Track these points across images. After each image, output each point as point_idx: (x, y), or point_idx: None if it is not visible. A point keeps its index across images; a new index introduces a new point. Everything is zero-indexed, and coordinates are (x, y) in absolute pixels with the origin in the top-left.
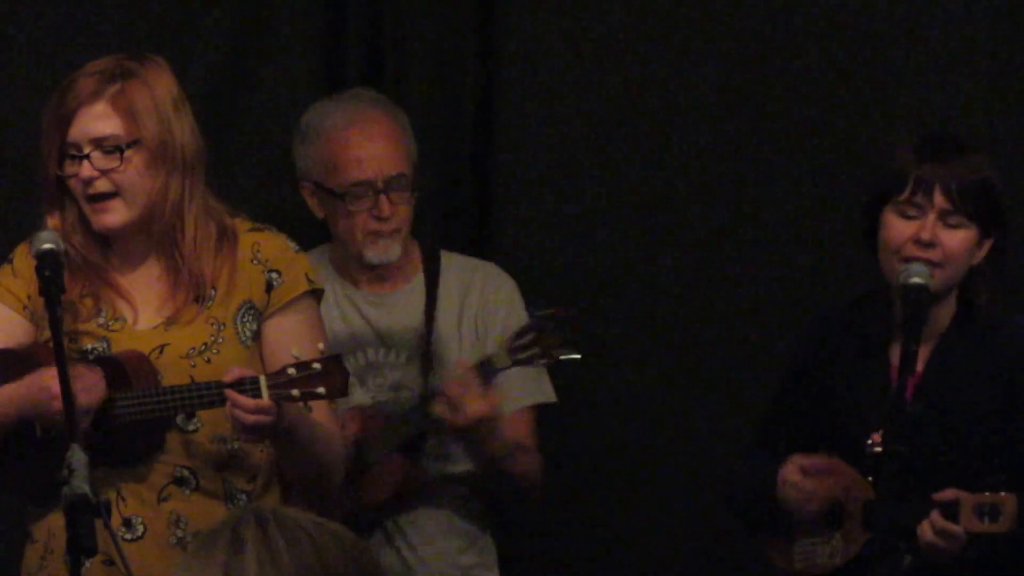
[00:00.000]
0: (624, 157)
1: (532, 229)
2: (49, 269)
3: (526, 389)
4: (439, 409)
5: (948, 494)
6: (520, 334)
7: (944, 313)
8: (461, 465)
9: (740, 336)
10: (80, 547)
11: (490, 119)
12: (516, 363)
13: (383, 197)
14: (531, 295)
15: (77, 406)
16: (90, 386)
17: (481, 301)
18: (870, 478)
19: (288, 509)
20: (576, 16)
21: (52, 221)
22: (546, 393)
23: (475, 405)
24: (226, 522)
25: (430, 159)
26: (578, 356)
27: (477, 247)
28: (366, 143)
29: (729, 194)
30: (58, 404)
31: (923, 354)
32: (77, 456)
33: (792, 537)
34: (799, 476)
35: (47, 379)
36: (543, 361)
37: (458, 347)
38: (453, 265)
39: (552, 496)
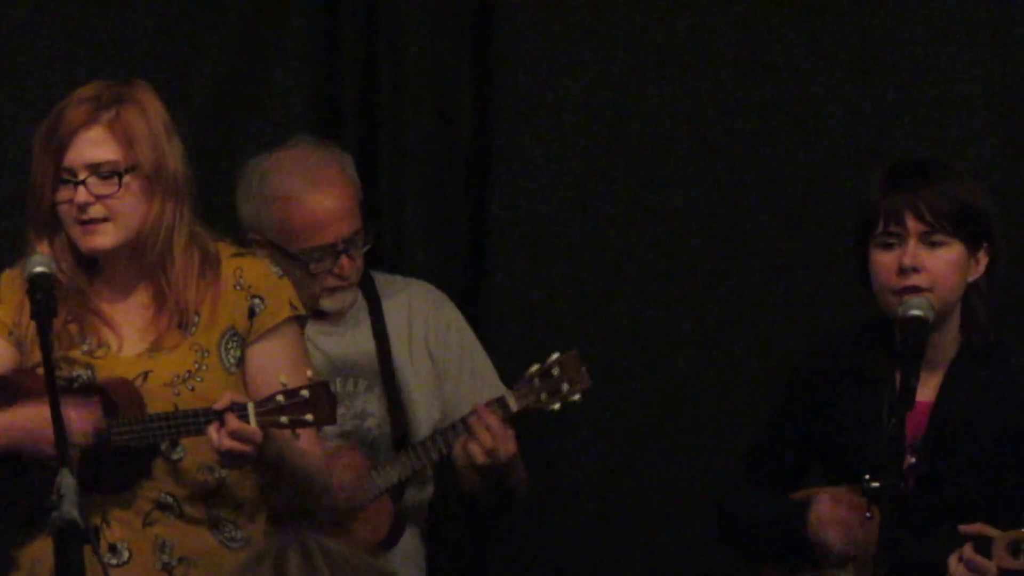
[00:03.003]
0: (621, 191)
1: (528, 259)
2: (41, 292)
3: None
4: (473, 451)
5: (976, 528)
6: (529, 378)
7: (949, 339)
8: (429, 490)
9: (738, 360)
10: (69, 573)
11: (486, 148)
12: (523, 409)
13: (344, 257)
14: (526, 325)
15: (72, 436)
16: (84, 416)
17: (429, 325)
18: (869, 515)
19: (331, 541)
20: (573, 44)
21: (41, 247)
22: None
23: (505, 447)
24: (268, 550)
25: (425, 189)
26: (579, 399)
27: (472, 278)
28: (324, 207)
29: (728, 228)
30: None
31: (933, 383)
32: (66, 481)
33: (796, 572)
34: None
35: (44, 420)
36: (552, 406)
37: (412, 370)
38: (390, 287)
39: (545, 508)
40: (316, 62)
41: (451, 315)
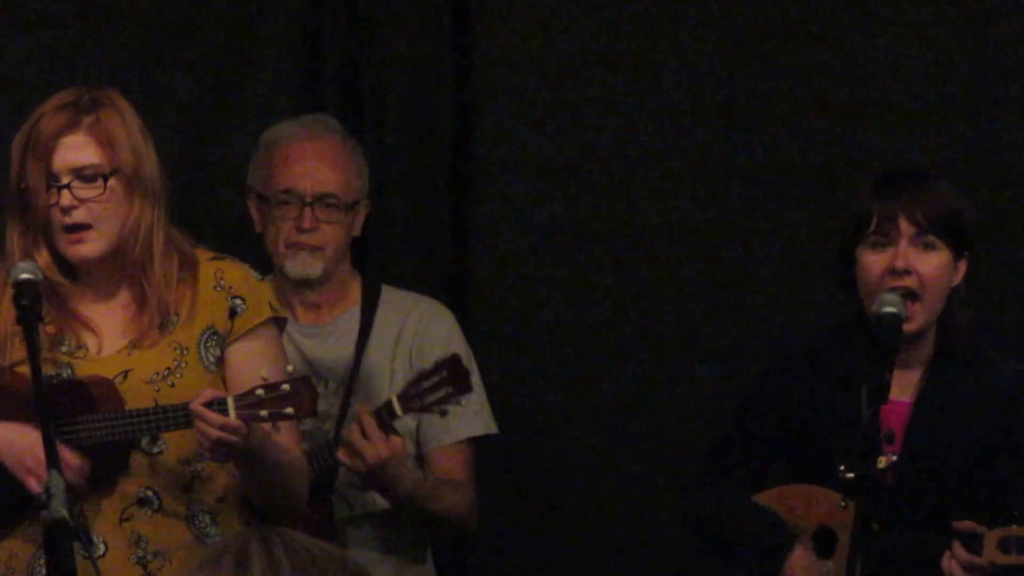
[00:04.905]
0: (604, 190)
1: (509, 261)
2: (27, 299)
3: (463, 422)
4: (340, 455)
5: (966, 525)
6: (414, 383)
7: (926, 341)
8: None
9: (724, 363)
10: (59, 572)
11: (467, 146)
12: (408, 411)
13: (308, 210)
14: (507, 328)
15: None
16: (76, 470)
17: (417, 336)
18: (843, 503)
19: (292, 532)
20: (553, 43)
21: (34, 251)
22: (486, 425)
23: (373, 451)
24: (231, 543)
25: (406, 187)
26: (462, 404)
27: (455, 276)
28: (305, 158)
29: (715, 228)
30: (34, 482)
31: (911, 383)
32: (56, 480)
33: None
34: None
35: (25, 441)
36: (438, 408)
37: (389, 380)
38: (393, 299)
39: (527, 519)
40: (297, 64)
41: (444, 333)
